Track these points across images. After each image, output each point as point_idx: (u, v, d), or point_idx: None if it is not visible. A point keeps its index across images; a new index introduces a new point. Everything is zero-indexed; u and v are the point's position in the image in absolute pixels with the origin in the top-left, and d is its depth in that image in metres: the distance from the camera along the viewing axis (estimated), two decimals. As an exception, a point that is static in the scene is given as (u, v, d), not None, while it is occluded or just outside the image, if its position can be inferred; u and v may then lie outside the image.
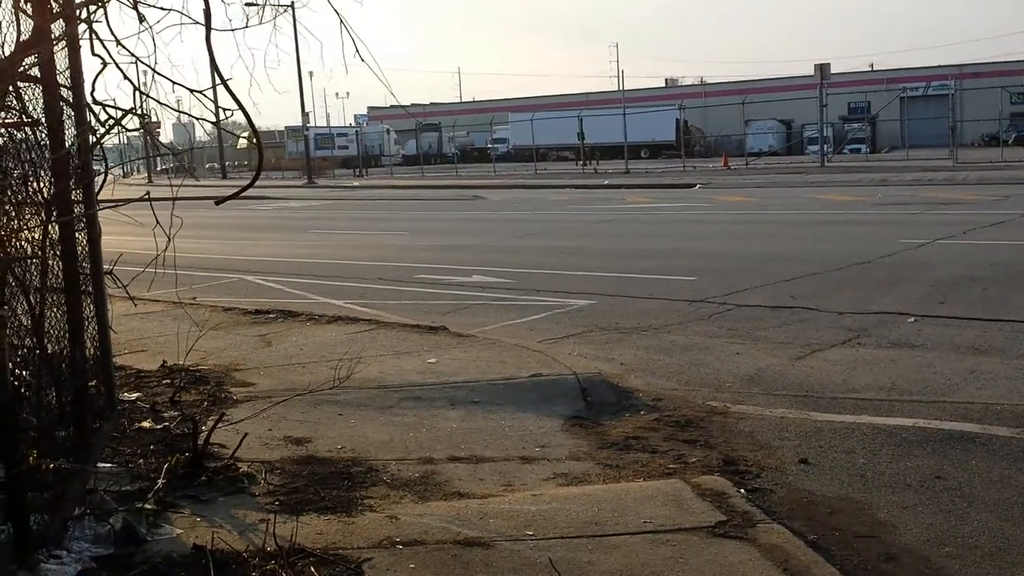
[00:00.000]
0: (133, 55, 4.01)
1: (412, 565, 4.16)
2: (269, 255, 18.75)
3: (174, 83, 3.77)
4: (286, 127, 75.94)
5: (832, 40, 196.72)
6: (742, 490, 5.17)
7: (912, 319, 9.63)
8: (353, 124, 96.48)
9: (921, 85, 66.26)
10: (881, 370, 7.80)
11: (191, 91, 3.84)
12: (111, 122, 4.79)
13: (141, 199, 4.46)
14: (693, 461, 5.75)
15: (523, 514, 4.76)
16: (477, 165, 67.18)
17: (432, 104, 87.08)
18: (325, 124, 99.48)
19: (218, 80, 4.13)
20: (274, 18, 4.68)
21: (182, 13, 4.34)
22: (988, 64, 68.64)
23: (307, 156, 58.40)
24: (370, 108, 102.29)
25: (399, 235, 22.03)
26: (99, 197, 5.33)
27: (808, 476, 5.52)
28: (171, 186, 4.47)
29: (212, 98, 3.93)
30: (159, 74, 3.80)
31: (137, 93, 4.13)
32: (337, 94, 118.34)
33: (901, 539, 4.64)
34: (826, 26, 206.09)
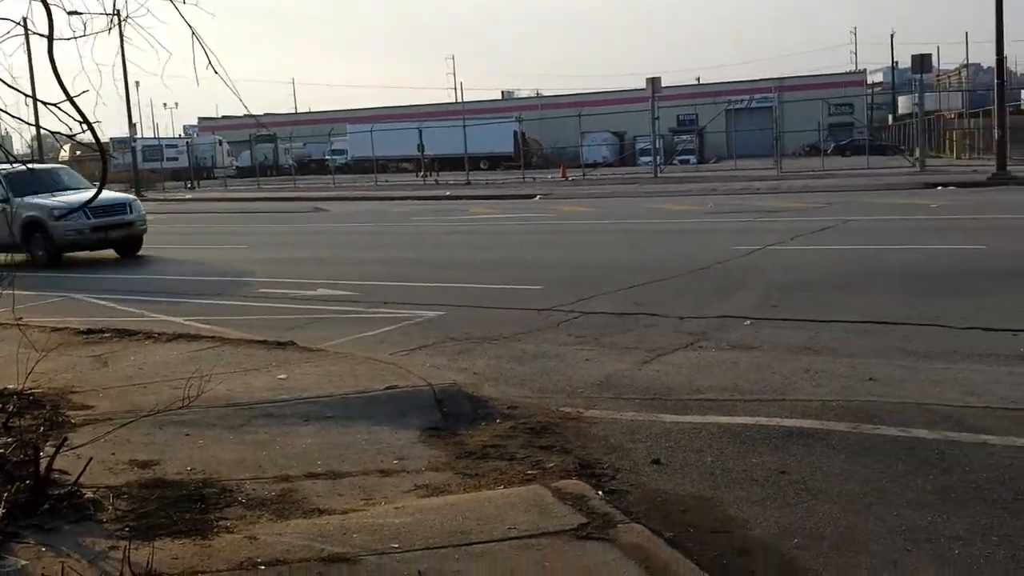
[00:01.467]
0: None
1: (276, 585, 4.08)
2: (97, 273, 17.96)
3: (25, 95, 3.57)
4: (111, 139, 72.99)
5: (659, 55, 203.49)
6: (600, 492, 5.28)
7: (748, 322, 10.05)
8: (183, 135, 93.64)
9: (745, 98, 69.37)
10: (723, 371, 8.11)
11: (44, 104, 3.65)
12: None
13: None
14: (551, 466, 5.83)
15: (387, 527, 4.72)
16: (315, 177, 66.33)
17: (267, 115, 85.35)
18: (153, 135, 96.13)
19: (63, 94, 3.94)
20: (108, 29, 4.50)
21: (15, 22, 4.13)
22: (807, 77, 72.49)
23: (135, 168, 56.21)
24: (200, 119, 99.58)
25: (238, 249, 21.48)
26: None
27: (661, 476, 5.69)
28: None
29: (72, 111, 3.74)
30: (9, 86, 3.60)
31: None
32: (165, 104, 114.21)
33: (752, 533, 4.83)
34: (653, 41, 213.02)
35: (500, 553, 4.36)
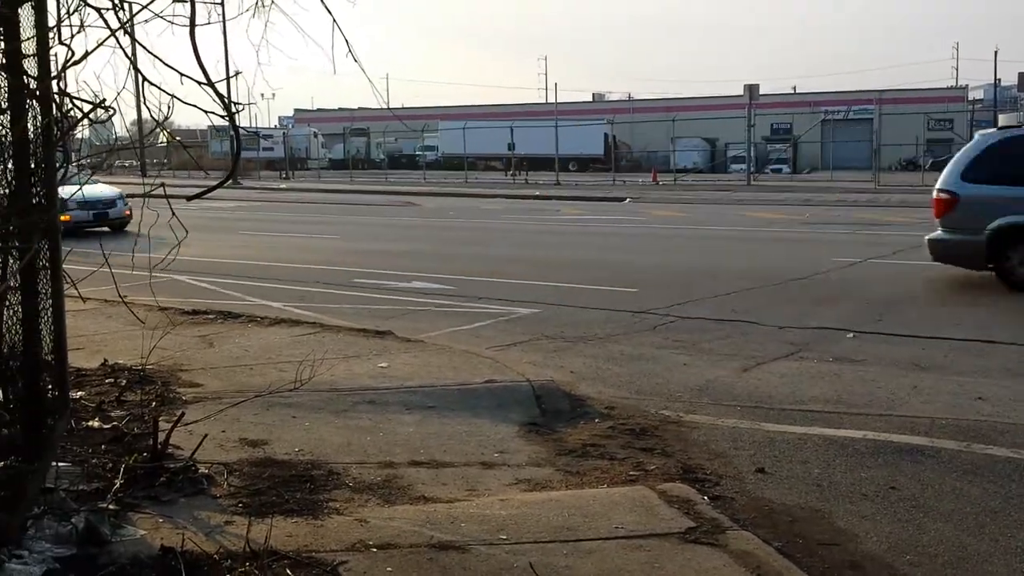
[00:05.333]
0: (138, 42, 3.90)
1: (388, 568, 4.12)
2: (199, 255, 18.35)
3: (182, 75, 3.67)
4: (209, 126, 74.62)
5: (753, 63, 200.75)
6: (706, 497, 5.24)
7: (851, 335, 9.86)
8: (278, 126, 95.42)
9: (843, 109, 68.00)
10: (827, 383, 7.97)
11: (199, 83, 3.75)
12: (78, 115, 4.66)
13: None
14: (652, 469, 5.80)
15: (494, 518, 4.75)
16: (405, 172, 66.96)
17: (361, 109, 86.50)
18: (249, 124, 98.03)
19: (200, 76, 4.04)
20: (254, 12, 4.59)
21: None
22: (907, 91, 70.82)
23: (234, 156, 57.42)
24: (296, 110, 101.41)
25: (332, 239, 21.83)
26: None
27: (766, 485, 5.62)
28: (143, 184, 4.39)
29: (215, 93, 3.83)
30: (168, 65, 3.71)
31: (142, 84, 4.00)
32: (263, 95, 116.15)
33: (863, 547, 4.74)
34: (747, 49, 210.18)
35: (608, 551, 4.34)
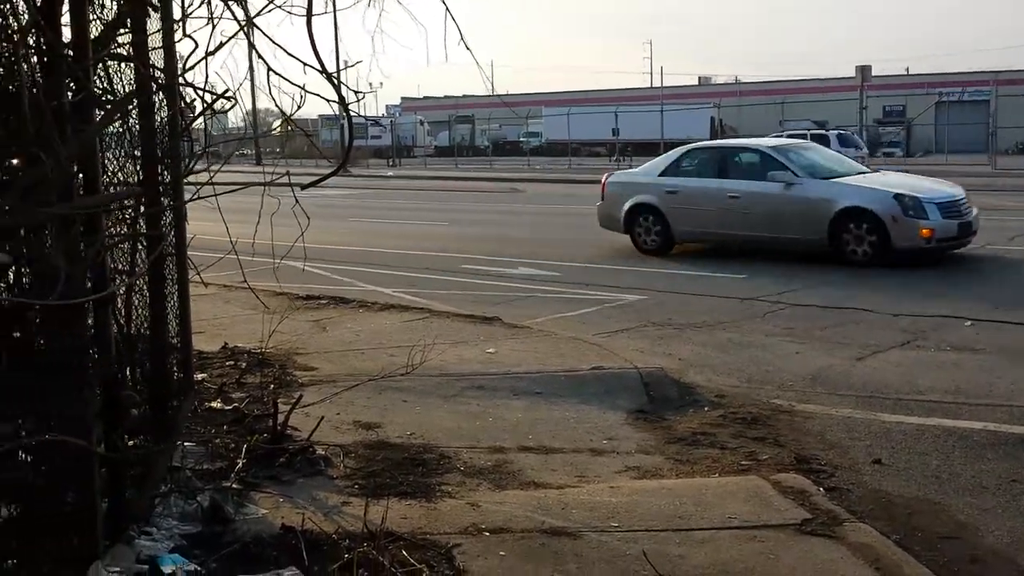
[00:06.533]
0: (266, 35, 4.02)
1: (502, 552, 4.18)
2: (311, 242, 18.73)
3: (305, 66, 3.78)
4: (320, 116, 76.05)
5: (867, 44, 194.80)
6: (821, 488, 5.17)
7: (969, 323, 9.54)
8: (385, 114, 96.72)
9: (958, 90, 65.56)
10: (944, 373, 7.74)
11: (320, 73, 3.86)
12: (202, 105, 4.82)
13: (239, 185, 4.52)
14: (765, 458, 5.73)
15: (605, 505, 4.77)
16: (510, 158, 67.13)
17: (465, 96, 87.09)
18: (357, 113, 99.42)
19: (317, 66, 4.14)
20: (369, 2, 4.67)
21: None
22: (1024, 71, 67.85)
23: (347, 145, 58.53)
24: (403, 99, 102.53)
25: (440, 225, 22.06)
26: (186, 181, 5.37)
27: (883, 476, 5.50)
28: (263, 172, 4.56)
29: (334, 83, 3.93)
30: (293, 56, 3.82)
31: (267, 75, 4.13)
32: (371, 84, 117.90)
33: (985, 541, 4.62)
34: (861, 29, 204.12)
35: (722, 541, 4.32)
